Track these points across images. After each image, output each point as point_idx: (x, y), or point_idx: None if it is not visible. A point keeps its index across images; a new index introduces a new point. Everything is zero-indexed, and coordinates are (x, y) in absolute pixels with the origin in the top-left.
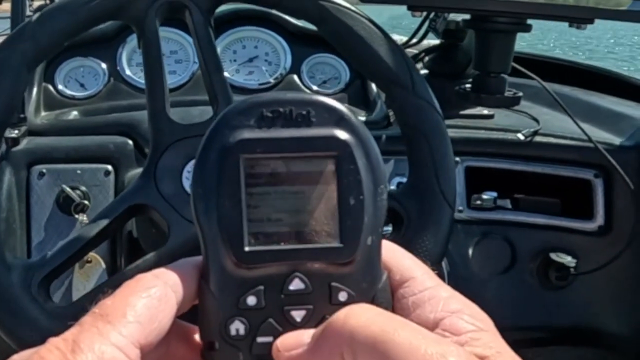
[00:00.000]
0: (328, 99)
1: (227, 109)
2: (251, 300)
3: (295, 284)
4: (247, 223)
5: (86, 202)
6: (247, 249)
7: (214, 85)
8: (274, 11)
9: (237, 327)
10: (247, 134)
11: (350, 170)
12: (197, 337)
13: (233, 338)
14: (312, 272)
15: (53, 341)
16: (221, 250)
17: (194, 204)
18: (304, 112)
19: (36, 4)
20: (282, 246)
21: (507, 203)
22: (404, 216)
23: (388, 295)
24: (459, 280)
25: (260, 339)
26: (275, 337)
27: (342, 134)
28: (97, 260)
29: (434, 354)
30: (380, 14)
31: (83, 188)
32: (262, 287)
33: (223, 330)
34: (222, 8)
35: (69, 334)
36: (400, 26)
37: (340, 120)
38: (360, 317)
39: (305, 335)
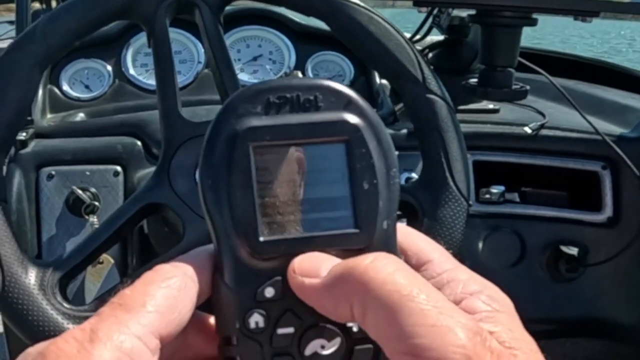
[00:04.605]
0: (335, 82)
1: (231, 97)
2: (269, 291)
3: None
4: (260, 213)
5: (96, 203)
6: (262, 239)
7: (226, 83)
8: (277, 9)
9: (257, 319)
10: (255, 122)
11: (362, 154)
12: (213, 323)
13: (252, 331)
14: None
15: (70, 332)
16: (235, 242)
17: (203, 196)
18: (312, 97)
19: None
20: (298, 234)
21: (515, 196)
22: (418, 210)
23: None
24: None
25: (280, 331)
26: (296, 327)
27: (352, 118)
28: (108, 261)
29: (442, 326)
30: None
31: (92, 189)
32: (279, 278)
33: (242, 323)
34: (229, 7)
35: (87, 324)
36: (401, 23)
37: (348, 104)
38: (381, 272)
39: (323, 266)
